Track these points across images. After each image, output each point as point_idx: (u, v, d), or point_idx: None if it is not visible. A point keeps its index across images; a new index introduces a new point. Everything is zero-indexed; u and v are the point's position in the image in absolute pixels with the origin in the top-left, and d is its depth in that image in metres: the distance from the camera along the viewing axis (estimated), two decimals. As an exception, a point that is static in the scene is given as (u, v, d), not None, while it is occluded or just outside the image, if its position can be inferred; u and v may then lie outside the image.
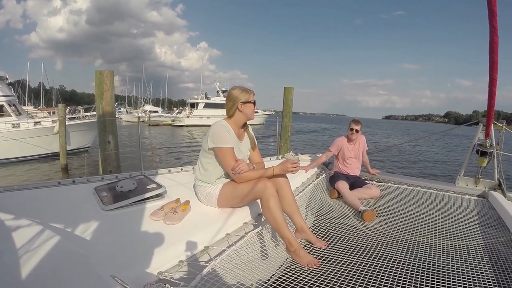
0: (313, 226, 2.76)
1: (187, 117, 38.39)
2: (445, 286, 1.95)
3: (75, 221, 1.96)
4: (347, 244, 2.49)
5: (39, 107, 33.31)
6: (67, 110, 14.32)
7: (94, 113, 14.24)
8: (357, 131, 4.07)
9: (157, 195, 2.52)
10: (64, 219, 1.99)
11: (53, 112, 17.91)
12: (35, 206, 2.24)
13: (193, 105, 39.79)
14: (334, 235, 2.63)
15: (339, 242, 2.52)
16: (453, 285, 1.96)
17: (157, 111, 50.19)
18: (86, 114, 15.83)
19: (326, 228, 2.76)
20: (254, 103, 2.52)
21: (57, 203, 2.35)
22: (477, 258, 2.36)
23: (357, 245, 2.49)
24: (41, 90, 54.05)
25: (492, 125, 3.84)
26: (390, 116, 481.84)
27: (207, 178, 2.50)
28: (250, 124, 2.73)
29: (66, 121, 12.31)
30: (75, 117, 16.14)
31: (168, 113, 49.07)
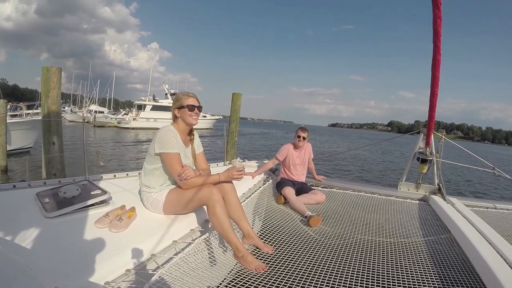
0: (260, 232, 2.83)
1: (134, 119, 37.15)
2: (389, 281, 2.11)
3: (15, 230, 1.87)
4: (294, 248, 2.58)
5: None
6: (8, 106, 13.30)
7: (37, 110, 13.28)
8: (304, 138, 4.19)
9: (102, 202, 2.44)
10: (3, 227, 1.89)
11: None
12: None
13: (140, 107, 38.74)
14: (281, 240, 2.71)
15: (286, 246, 2.60)
16: (397, 280, 2.13)
17: (102, 112, 48.32)
18: (29, 111, 14.77)
19: (273, 233, 2.83)
20: (192, 107, 2.42)
21: None
22: (419, 255, 2.58)
23: (304, 248, 2.59)
24: (-19, 84, 50.26)
25: (432, 134, 4.13)
26: (336, 124, 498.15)
27: (152, 184, 2.45)
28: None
29: (7, 119, 11.43)
30: (16, 115, 15.00)
31: (114, 114, 47.40)
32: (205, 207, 2.29)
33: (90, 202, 2.35)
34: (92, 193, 2.47)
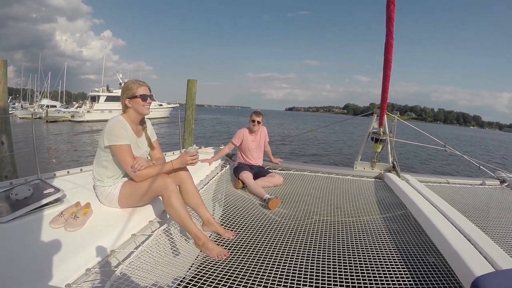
0: (221, 218, 2.85)
1: (88, 111, 35.48)
2: (350, 258, 2.21)
3: None
4: (255, 231, 2.63)
5: None
6: None
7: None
8: (258, 122, 4.23)
9: (56, 200, 2.33)
10: None
11: None
12: None
13: (94, 99, 36.99)
14: (242, 225, 2.75)
15: (247, 230, 2.65)
16: (358, 256, 2.24)
17: (55, 106, 45.59)
18: None
19: (233, 218, 2.87)
20: (145, 97, 2.36)
21: None
22: (377, 230, 2.72)
23: (265, 231, 2.65)
24: None
25: (385, 115, 4.31)
26: (293, 108, 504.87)
27: (106, 178, 2.37)
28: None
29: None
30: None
31: (67, 107, 45.05)
32: (161, 197, 2.27)
33: (43, 202, 2.24)
34: (44, 192, 2.35)
